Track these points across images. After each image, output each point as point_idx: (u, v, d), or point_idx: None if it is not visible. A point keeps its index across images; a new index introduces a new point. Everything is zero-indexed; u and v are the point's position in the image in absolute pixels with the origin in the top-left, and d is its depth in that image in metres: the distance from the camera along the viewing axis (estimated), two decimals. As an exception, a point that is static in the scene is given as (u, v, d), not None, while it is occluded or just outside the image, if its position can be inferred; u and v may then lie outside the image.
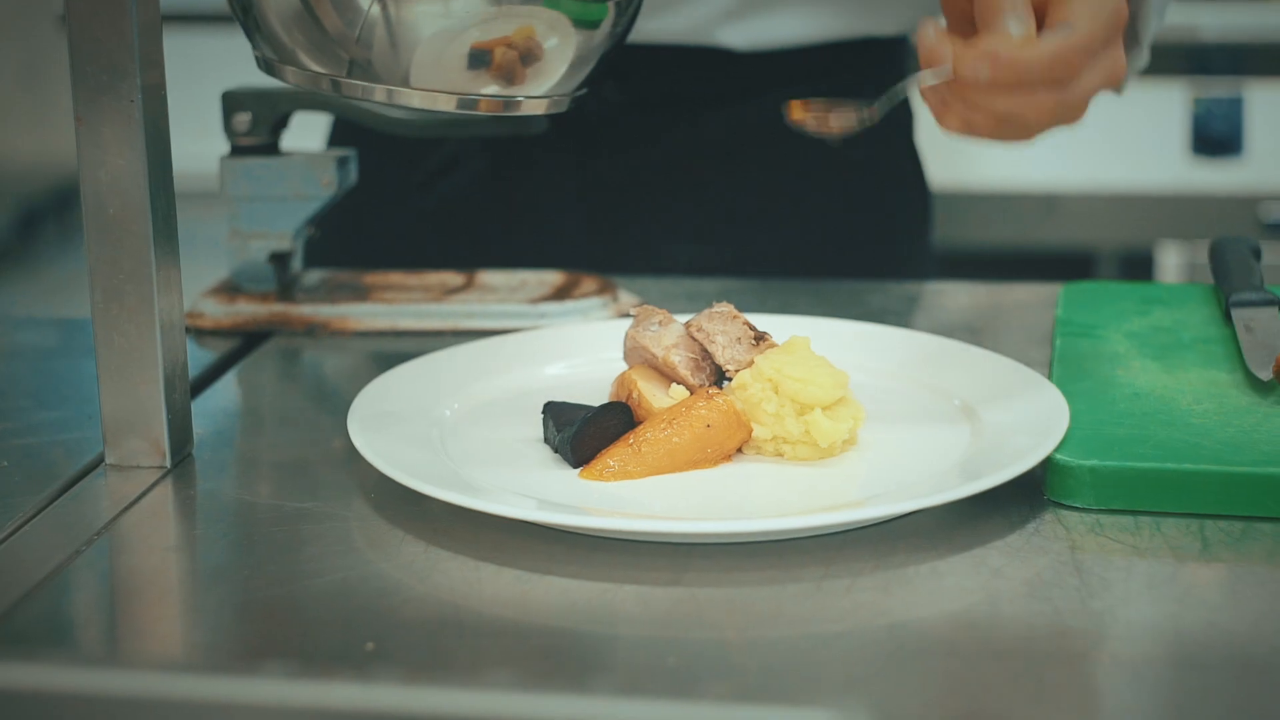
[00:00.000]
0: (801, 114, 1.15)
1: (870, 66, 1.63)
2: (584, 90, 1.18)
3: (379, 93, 1.12)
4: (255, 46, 1.15)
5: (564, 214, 1.61)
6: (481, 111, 1.13)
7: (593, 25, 1.13)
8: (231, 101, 1.41)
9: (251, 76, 1.46)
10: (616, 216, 1.61)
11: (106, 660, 0.88)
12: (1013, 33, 1.08)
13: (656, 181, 1.60)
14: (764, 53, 1.56)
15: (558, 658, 0.87)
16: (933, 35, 1.11)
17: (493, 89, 1.12)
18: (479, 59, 1.10)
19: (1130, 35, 1.41)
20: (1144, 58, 1.42)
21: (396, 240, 1.65)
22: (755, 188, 1.62)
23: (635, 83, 1.55)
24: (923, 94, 1.13)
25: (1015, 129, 1.12)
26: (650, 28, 1.53)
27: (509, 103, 1.14)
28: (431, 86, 1.11)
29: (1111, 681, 0.84)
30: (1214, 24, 3.66)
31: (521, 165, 1.60)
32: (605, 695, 0.82)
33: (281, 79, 1.14)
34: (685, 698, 0.81)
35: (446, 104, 1.12)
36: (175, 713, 0.83)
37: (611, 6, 1.14)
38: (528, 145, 1.58)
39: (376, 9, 1.08)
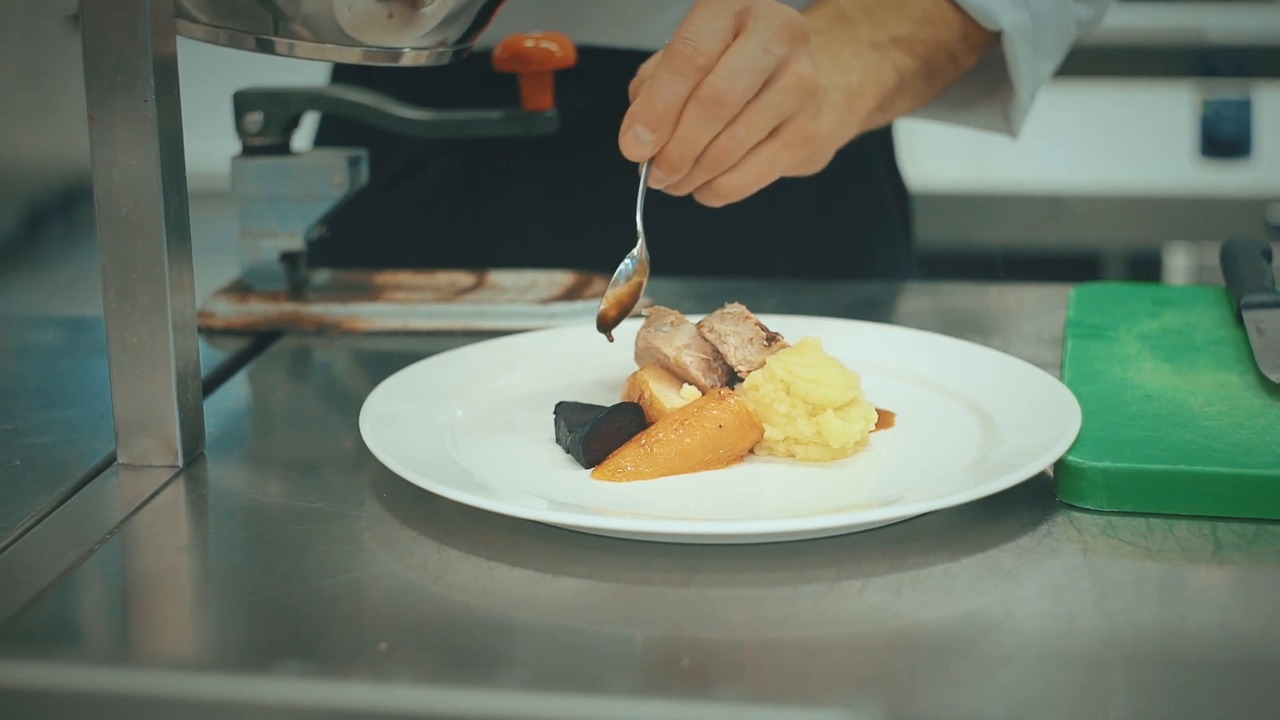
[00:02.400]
0: (611, 323, 1.18)
1: None
2: (467, 44, 1.18)
3: (279, 45, 1.12)
4: None
5: (533, 218, 1.60)
6: (378, 63, 1.14)
7: None
8: (243, 101, 1.41)
9: (263, 77, 1.47)
10: (586, 221, 1.61)
11: (118, 660, 0.88)
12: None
13: (628, 186, 1.60)
14: None
15: (571, 658, 0.87)
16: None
17: (382, 39, 1.13)
18: (382, 1, 1.11)
19: (1003, 80, 1.43)
20: (1025, 102, 1.44)
21: (391, 241, 1.65)
22: None
23: (602, 88, 1.55)
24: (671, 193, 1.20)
25: (751, 164, 1.17)
26: (615, 34, 1.53)
27: (393, 53, 1.15)
28: (326, 39, 1.12)
29: (1124, 683, 0.84)
30: (1221, 26, 3.67)
31: (490, 169, 1.60)
32: (619, 695, 0.82)
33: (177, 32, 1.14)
34: (699, 698, 0.81)
35: (346, 56, 1.13)
36: (187, 712, 0.83)
37: None
38: (497, 148, 1.58)
39: None
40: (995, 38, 1.40)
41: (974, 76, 1.48)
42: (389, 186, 1.62)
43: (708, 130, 1.13)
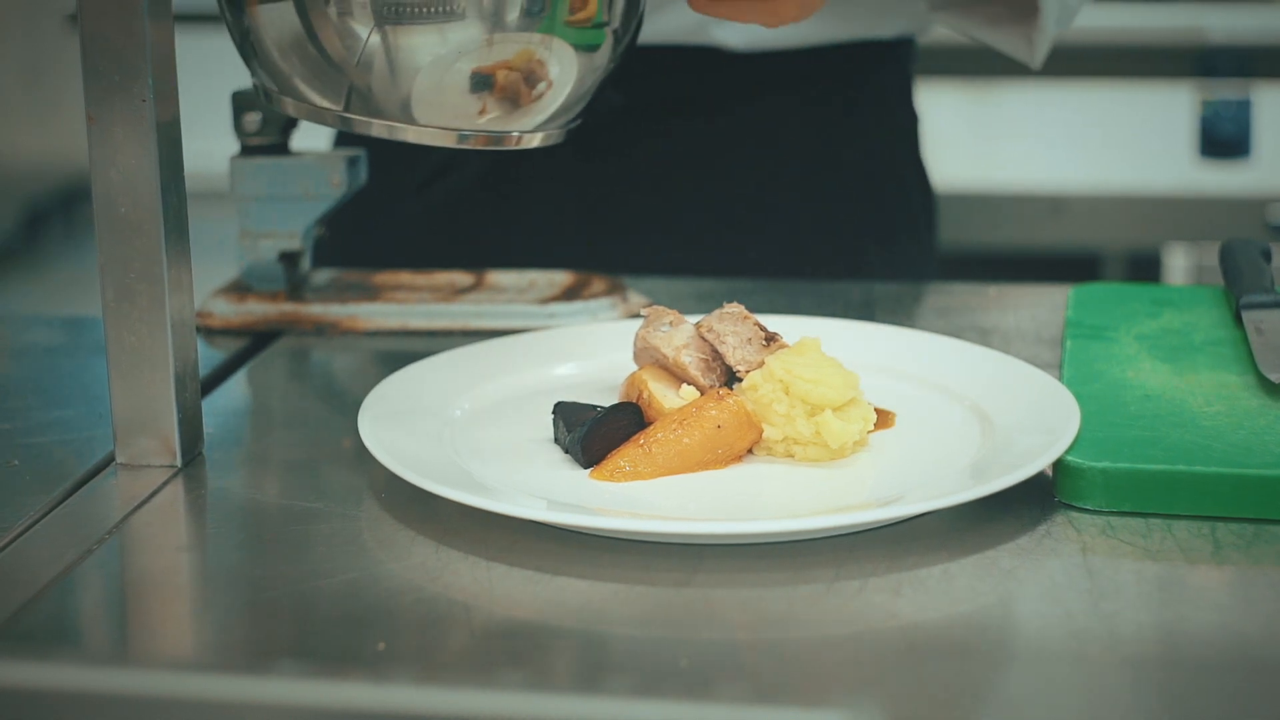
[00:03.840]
0: None
1: (870, 69, 1.62)
2: (577, 121, 1.18)
3: (378, 128, 1.12)
4: (254, 75, 1.15)
5: (562, 215, 1.60)
6: (479, 146, 1.13)
7: (590, 50, 1.13)
8: (242, 101, 1.40)
9: (262, 76, 1.46)
10: (614, 218, 1.61)
11: (117, 660, 0.88)
12: None
13: (656, 183, 1.60)
14: (763, 53, 1.55)
15: (569, 658, 0.87)
16: None
17: (489, 124, 1.12)
18: (476, 92, 1.10)
19: (1033, 10, 1.41)
20: (1049, 27, 1.43)
21: (395, 240, 1.65)
22: (755, 189, 1.61)
23: (634, 84, 1.55)
24: None
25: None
26: (647, 28, 1.52)
27: (505, 137, 1.14)
28: (429, 121, 1.11)
29: (1123, 683, 0.84)
30: (1221, 26, 3.66)
31: (520, 167, 1.60)
32: (617, 696, 0.82)
33: (282, 110, 1.14)
34: (697, 699, 0.81)
35: (445, 140, 1.12)
36: (186, 712, 0.83)
37: (609, 33, 1.13)
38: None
39: (376, 39, 1.08)
40: None
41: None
42: (420, 187, 1.62)
43: None
